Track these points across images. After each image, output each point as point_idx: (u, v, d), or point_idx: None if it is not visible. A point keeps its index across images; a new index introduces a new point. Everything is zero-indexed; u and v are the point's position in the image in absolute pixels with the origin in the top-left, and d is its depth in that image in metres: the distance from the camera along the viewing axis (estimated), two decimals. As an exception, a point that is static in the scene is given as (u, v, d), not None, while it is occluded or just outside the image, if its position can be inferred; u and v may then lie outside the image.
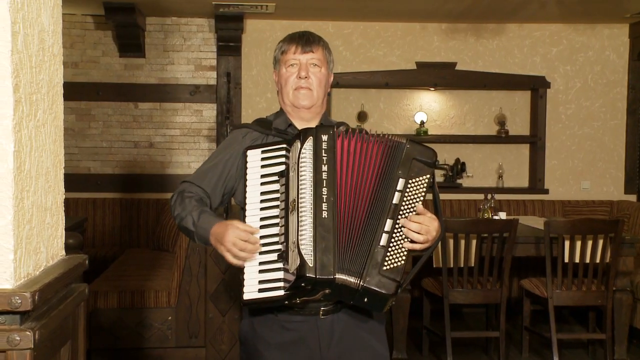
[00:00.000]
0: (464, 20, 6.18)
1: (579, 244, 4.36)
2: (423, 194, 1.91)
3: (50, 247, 1.64)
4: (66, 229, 1.81)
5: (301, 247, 1.82)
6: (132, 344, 4.26)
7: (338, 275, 1.83)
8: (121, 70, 6.22)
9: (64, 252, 1.77)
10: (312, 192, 1.86)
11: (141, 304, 4.26)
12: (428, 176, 1.92)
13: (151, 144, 6.27)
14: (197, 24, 6.27)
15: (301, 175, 1.89)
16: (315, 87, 2.12)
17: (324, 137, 1.92)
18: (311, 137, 1.92)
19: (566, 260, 4.38)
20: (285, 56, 2.13)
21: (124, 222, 6.16)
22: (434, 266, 4.45)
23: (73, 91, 5.98)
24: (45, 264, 1.60)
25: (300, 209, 1.85)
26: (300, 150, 1.91)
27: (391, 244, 1.86)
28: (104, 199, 6.17)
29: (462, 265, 4.34)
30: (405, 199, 1.89)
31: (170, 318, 4.27)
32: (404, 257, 1.87)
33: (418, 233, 1.88)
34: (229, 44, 6.14)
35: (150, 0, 5.63)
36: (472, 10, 5.77)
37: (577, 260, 4.38)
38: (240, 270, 1.94)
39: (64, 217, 1.77)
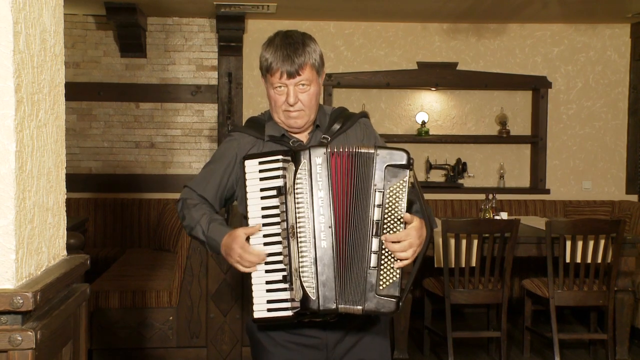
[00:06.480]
0: (465, 20, 6.18)
1: (580, 244, 4.36)
2: (404, 199, 1.86)
3: (51, 247, 1.64)
4: (67, 229, 1.82)
5: (303, 279, 1.86)
6: (133, 343, 4.26)
7: (340, 306, 1.87)
8: (122, 70, 6.22)
9: (65, 252, 1.77)
10: (310, 220, 1.87)
11: (142, 304, 4.26)
12: (405, 178, 1.86)
13: (152, 144, 6.27)
14: (198, 24, 6.26)
15: (298, 201, 1.88)
16: (307, 107, 2.04)
17: (318, 160, 1.87)
18: (305, 161, 1.88)
19: (567, 260, 4.38)
20: (272, 78, 2.01)
21: (125, 222, 6.16)
22: (435, 266, 4.45)
23: (74, 91, 5.98)
24: (47, 264, 1.60)
25: (299, 237, 1.87)
26: (295, 174, 1.89)
27: (382, 263, 1.87)
28: (105, 199, 6.17)
29: (463, 266, 4.33)
30: (386, 211, 1.86)
31: (171, 318, 4.27)
32: (397, 272, 1.87)
33: (402, 252, 1.86)
34: (230, 44, 6.14)
35: (152, 1, 5.63)
36: (474, 11, 5.76)
37: (578, 260, 4.38)
38: (248, 287, 1.95)
39: (65, 217, 1.77)
